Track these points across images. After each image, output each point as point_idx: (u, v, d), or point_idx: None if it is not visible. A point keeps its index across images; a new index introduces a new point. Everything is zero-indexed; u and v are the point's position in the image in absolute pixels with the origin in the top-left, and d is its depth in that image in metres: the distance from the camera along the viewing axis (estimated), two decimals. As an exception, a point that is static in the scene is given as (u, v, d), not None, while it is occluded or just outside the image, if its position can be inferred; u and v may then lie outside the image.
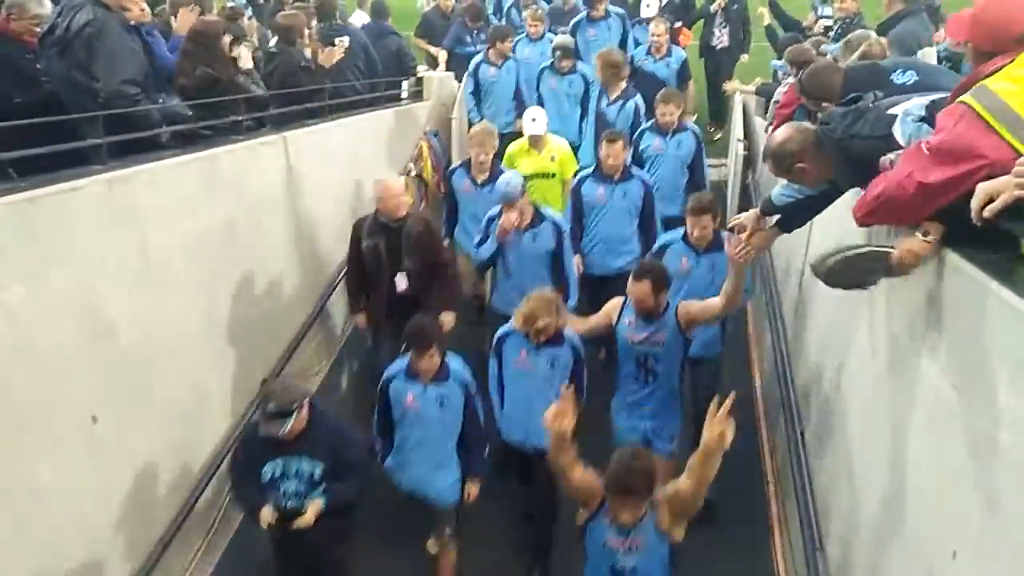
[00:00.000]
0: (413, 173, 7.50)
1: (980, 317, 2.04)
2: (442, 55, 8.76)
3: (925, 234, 2.36)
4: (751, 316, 6.41)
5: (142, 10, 5.22)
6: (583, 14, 8.16)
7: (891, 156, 2.44)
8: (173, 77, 4.59)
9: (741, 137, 7.87)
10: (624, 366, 4.19)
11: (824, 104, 3.37)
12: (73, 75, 3.84)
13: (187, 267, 3.96)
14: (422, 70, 8.62)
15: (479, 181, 5.60)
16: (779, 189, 3.29)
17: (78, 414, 3.19)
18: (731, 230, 3.78)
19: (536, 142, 5.96)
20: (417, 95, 8.21)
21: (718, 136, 9.59)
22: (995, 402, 1.91)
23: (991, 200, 1.88)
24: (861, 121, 2.68)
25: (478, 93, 7.67)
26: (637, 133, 6.07)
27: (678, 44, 8.61)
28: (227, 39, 4.74)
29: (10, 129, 3.31)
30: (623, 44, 8.02)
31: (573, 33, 7.97)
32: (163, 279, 3.74)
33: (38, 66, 3.94)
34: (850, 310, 3.48)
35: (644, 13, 8.50)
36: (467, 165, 5.70)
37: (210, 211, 4.18)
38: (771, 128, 6.32)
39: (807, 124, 3.10)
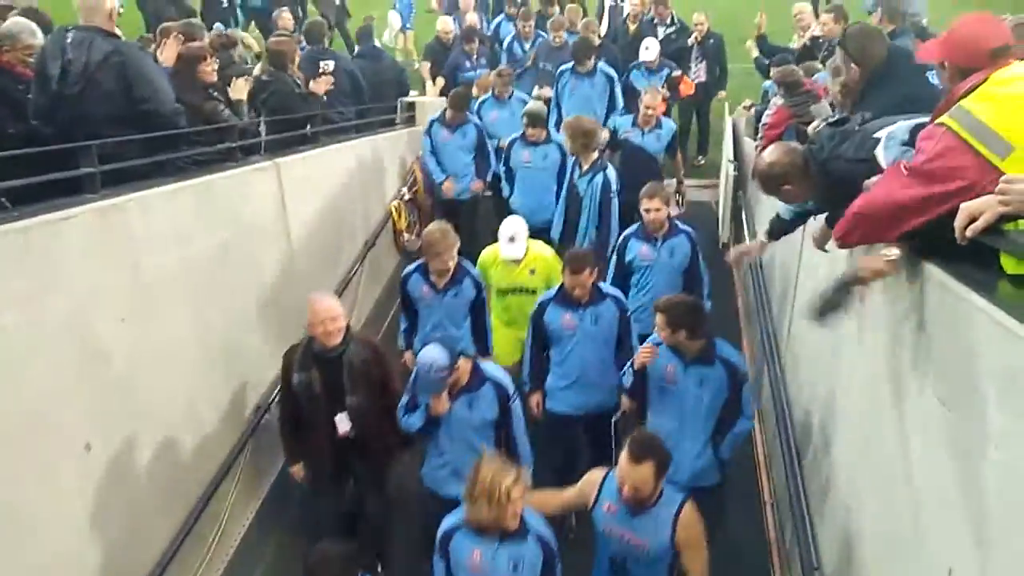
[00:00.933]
0: (407, 197, 7.57)
1: (967, 335, 2.06)
2: (437, 82, 8.81)
3: (887, 252, 2.40)
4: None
5: (152, 40, 5.30)
6: (569, 66, 7.54)
7: (874, 179, 2.47)
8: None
9: (731, 158, 7.96)
10: (599, 557, 3.46)
11: (853, 66, 3.27)
12: (100, 106, 3.85)
13: (180, 294, 3.96)
14: (414, 95, 8.72)
15: (439, 287, 4.78)
16: (786, 207, 3.33)
17: (71, 441, 3.17)
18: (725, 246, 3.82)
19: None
20: (410, 120, 8.29)
21: (702, 162, 9.77)
22: (984, 419, 1.92)
23: (973, 219, 1.90)
24: (847, 143, 2.71)
25: (436, 154, 7.08)
26: (621, 240, 5.13)
27: (679, 91, 8.57)
28: (207, 67, 4.73)
29: (4, 160, 3.33)
30: (610, 105, 7.53)
31: (558, 88, 7.57)
32: (156, 306, 3.74)
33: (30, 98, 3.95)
34: (838, 333, 3.50)
35: (643, 56, 8.25)
36: (423, 269, 4.80)
37: (203, 238, 4.18)
38: (759, 148, 6.43)
39: (795, 145, 3.12)
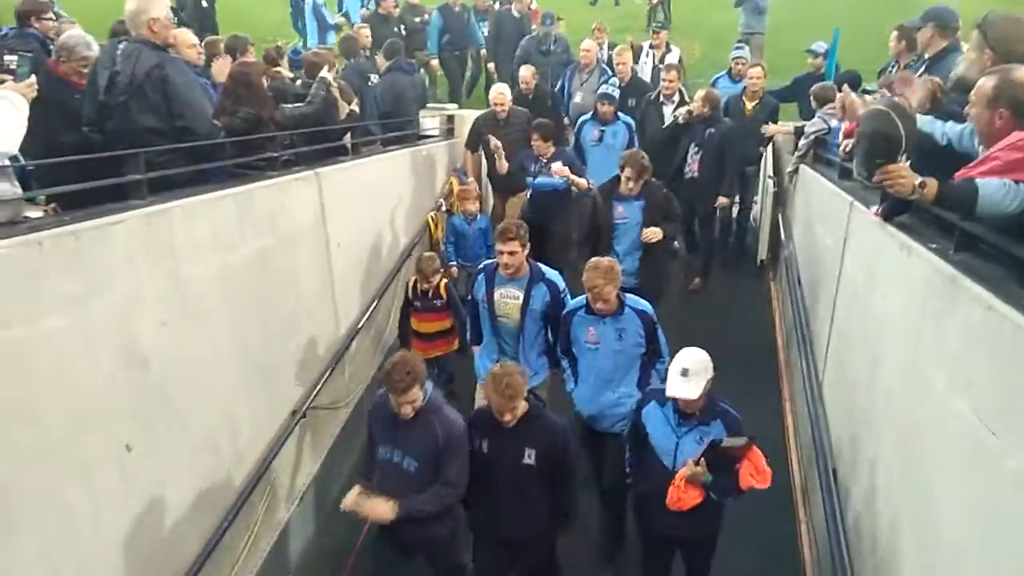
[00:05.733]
0: (444, 208, 7.64)
1: (1013, 356, 2.01)
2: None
3: (922, 185, 2.67)
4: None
5: (199, 54, 5.48)
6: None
7: None
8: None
9: (771, 174, 7.87)
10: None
11: (987, 51, 3.22)
12: (143, 118, 3.94)
13: (220, 300, 4.04)
14: (452, 108, 8.80)
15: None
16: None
17: (112, 442, 3.25)
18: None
19: None
20: (449, 132, 8.38)
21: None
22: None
23: None
24: None
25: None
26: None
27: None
28: (266, 81, 4.93)
29: (56, 166, 3.45)
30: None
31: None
32: (196, 311, 3.82)
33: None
34: (879, 344, 3.43)
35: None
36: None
37: (243, 245, 4.27)
38: (797, 159, 6.49)
39: None
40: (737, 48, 8.45)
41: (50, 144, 3.92)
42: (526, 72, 7.94)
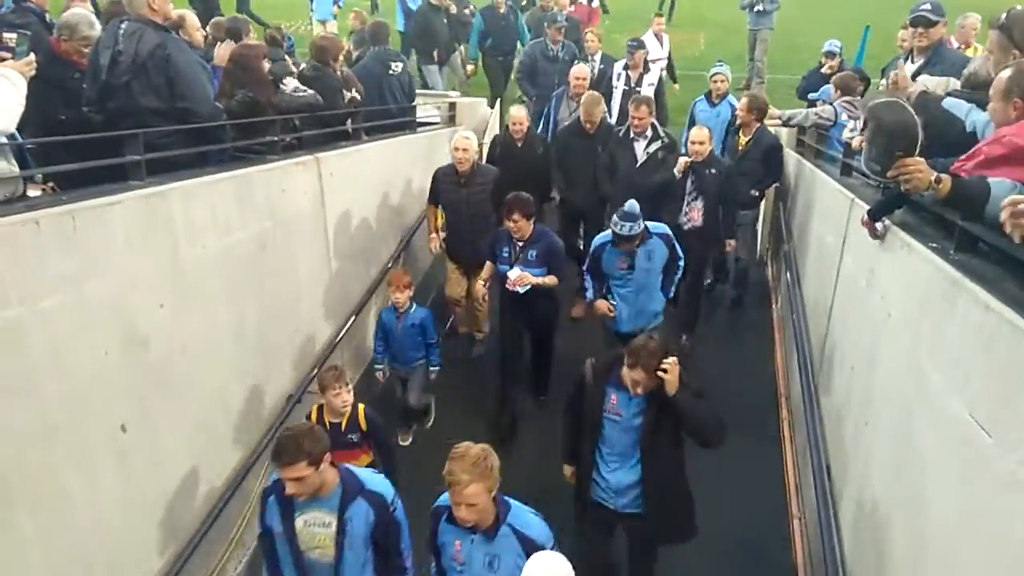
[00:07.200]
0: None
1: (1010, 357, 2.01)
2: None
3: (937, 181, 2.64)
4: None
5: (205, 37, 5.47)
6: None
7: None
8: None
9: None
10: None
11: (1015, 52, 3.18)
12: (146, 99, 3.93)
13: (217, 283, 4.04)
14: (454, 95, 8.75)
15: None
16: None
17: (108, 423, 3.25)
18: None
19: None
20: (451, 120, 8.34)
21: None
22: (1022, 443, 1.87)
23: None
24: None
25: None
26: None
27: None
28: (267, 63, 4.89)
29: (54, 144, 3.43)
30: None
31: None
32: (194, 294, 3.82)
33: (84, 87, 4.06)
34: (876, 342, 3.44)
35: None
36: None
37: (242, 229, 4.26)
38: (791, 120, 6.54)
39: None
40: (717, 64, 7.59)
41: (48, 123, 3.91)
42: (519, 112, 6.66)
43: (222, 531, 4.06)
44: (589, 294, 5.25)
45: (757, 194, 6.89)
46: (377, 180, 6.31)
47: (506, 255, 5.18)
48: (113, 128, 3.68)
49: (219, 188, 4.07)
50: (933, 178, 2.69)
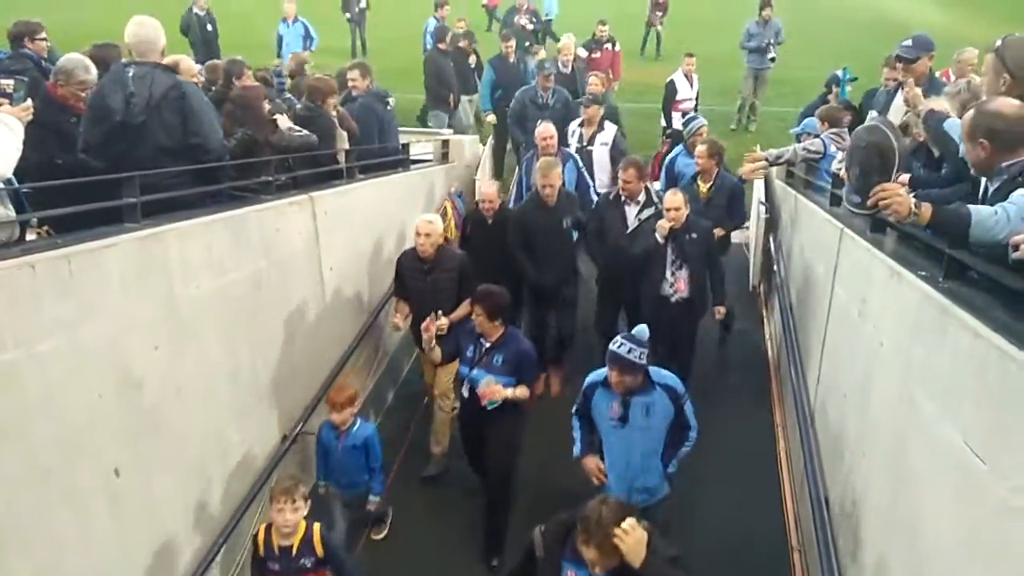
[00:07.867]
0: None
1: (1001, 383, 2.02)
2: None
3: (917, 206, 2.69)
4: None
5: (201, 80, 5.61)
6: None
7: None
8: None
9: (763, 200, 7.94)
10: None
11: (1005, 76, 3.13)
12: (158, 137, 4.03)
13: (213, 324, 4.04)
14: (447, 132, 8.86)
15: None
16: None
17: (102, 466, 3.22)
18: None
19: None
20: (444, 157, 8.44)
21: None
22: (1018, 469, 1.88)
23: None
24: None
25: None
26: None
27: None
28: (267, 104, 4.99)
29: (50, 189, 3.46)
30: None
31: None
32: (189, 335, 3.82)
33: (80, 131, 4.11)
34: (869, 371, 3.45)
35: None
36: None
37: (237, 269, 4.27)
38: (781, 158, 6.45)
39: None
40: (693, 119, 7.45)
41: (45, 167, 3.95)
42: (489, 189, 6.28)
43: (219, 573, 4.01)
44: (577, 448, 4.22)
45: (723, 233, 6.47)
46: (371, 218, 6.35)
47: (469, 355, 4.60)
48: (119, 169, 3.74)
49: (214, 228, 4.10)
50: (912, 204, 2.75)
